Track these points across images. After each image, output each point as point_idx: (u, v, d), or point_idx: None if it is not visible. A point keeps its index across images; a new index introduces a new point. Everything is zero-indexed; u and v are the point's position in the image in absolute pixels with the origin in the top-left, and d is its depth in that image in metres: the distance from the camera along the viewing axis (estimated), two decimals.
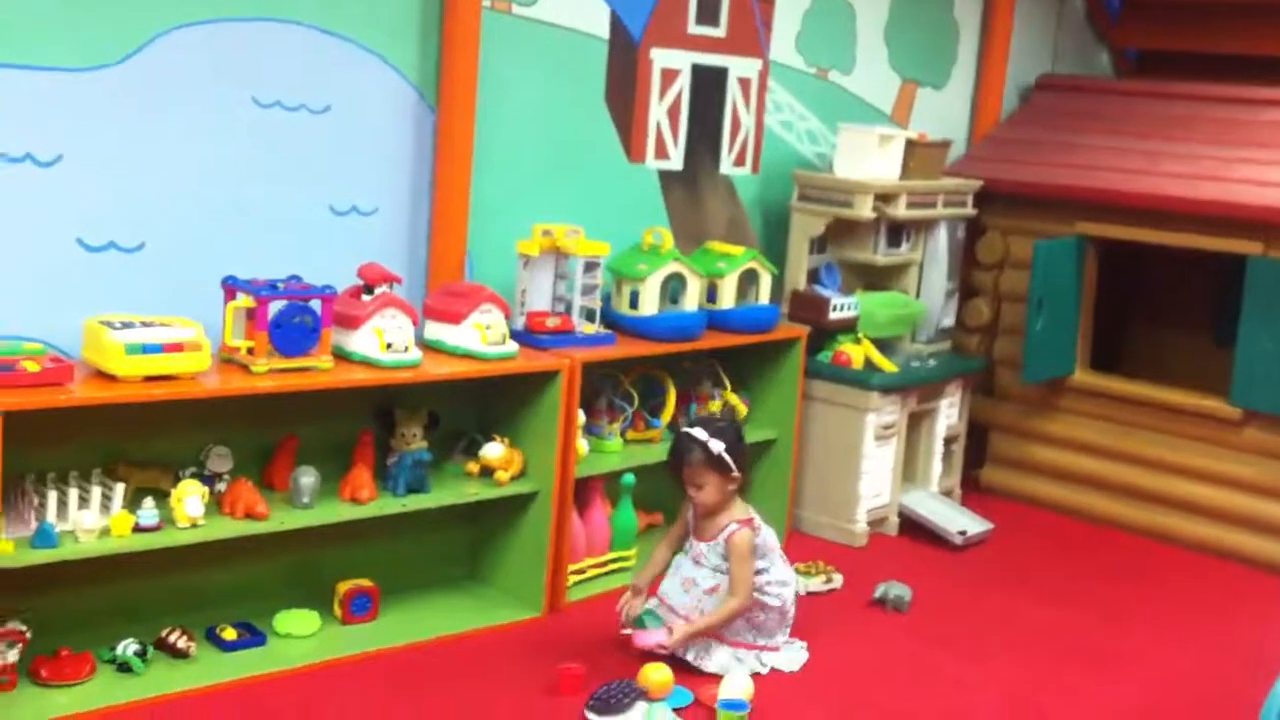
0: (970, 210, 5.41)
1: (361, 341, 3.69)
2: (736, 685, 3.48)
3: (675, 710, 3.40)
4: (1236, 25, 5.90)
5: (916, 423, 5.19)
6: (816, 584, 4.39)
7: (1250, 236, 4.89)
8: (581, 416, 4.13)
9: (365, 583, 3.85)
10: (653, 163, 4.81)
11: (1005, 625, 4.26)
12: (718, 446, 3.77)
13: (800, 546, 4.77)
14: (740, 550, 3.75)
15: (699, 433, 3.81)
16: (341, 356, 3.68)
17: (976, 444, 5.68)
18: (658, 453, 4.47)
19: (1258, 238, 4.87)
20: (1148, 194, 5.10)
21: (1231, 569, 4.95)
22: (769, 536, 3.87)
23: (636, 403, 4.48)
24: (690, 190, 4.96)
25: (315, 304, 3.55)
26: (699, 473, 3.77)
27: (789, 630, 3.89)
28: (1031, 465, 5.57)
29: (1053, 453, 5.53)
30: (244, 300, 3.49)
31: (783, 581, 3.85)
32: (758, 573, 3.79)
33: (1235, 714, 3.53)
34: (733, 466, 3.78)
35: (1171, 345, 5.81)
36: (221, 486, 3.57)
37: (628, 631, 3.65)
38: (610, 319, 4.43)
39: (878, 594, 4.33)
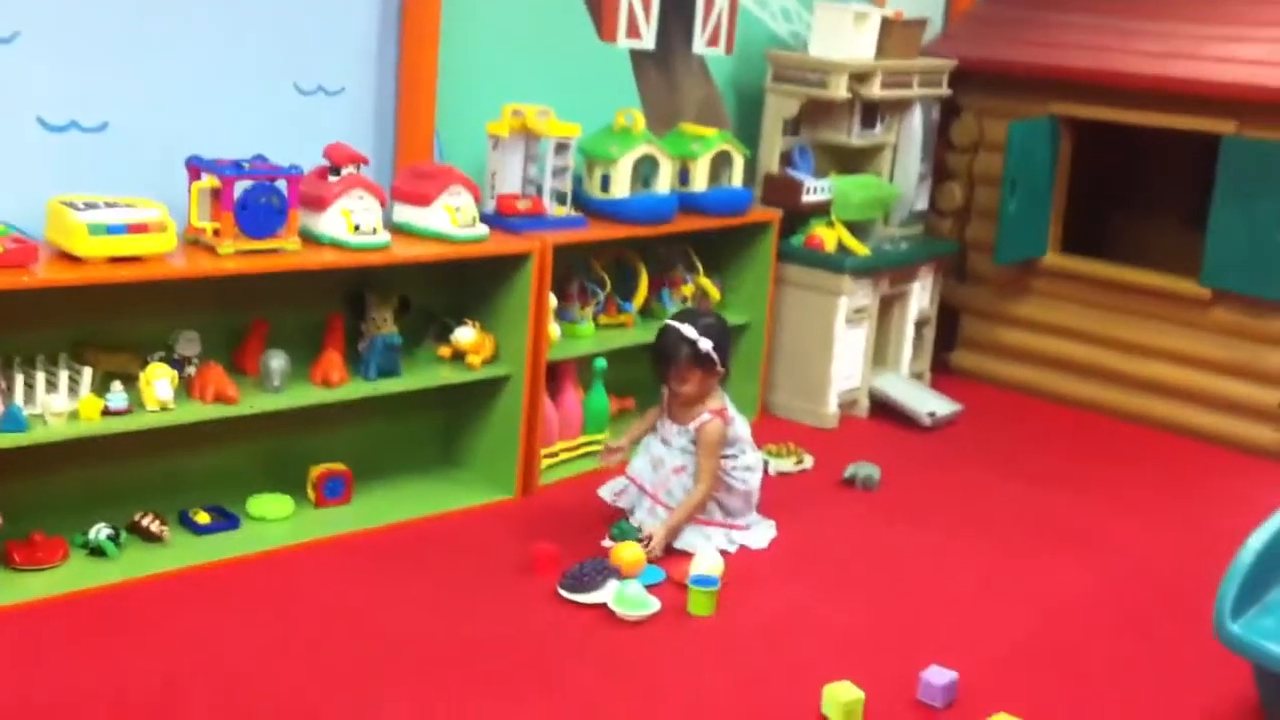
0: (945, 90, 5.36)
1: (329, 223, 3.64)
2: (707, 562, 3.52)
3: (647, 587, 3.44)
4: None
5: (888, 306, 5.20)
6: (787, 465, 4.43)
7: (1224, 115, 4.86)
8: (553, 300, 4.12)
9: (338, 466, 3.85)
10: (624, 42, 4.72)
11: (973, 503, 4.31)
12: (706, 345, 3.76)
13: (772, 429, 4.80)
14: (709, 442, 3.78)
15: (688, 330, 3.78)
16: (309, 238, 3.64)
17: (948, 328, 5.69)
18: (630, 337, 4.48)
19: (1231, 116, 4.84)
20: (1120, 72, 5.05)
21: (1198, 447, 5.02)
22: (740, 427, 3.89)
23: (609, 287, 4.46)
24: (663, 71, 4.89)
25: (281, 184, 3.49)
26: (686, 370, 3.77)
27: (755, 511, 3.94)
28: (1002, 348, 5.60)
29: (1023, 335, 5.55)
30: (209, 181, 3.43)
31: (749, 468, 3.88)
32: (727, 458, 3.82)
33: (1197, 588, 3.60)
34: (718, 363, 3.78)
35: (1151, 229, 5.80)
36: (191, 370, 3.55)
37: (607, 544, 3.67)
38: (582, 201, 4.39)
39: (848, 474, 4.37)
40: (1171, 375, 5.14)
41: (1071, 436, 5.08)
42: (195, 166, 3.48)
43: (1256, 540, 3.04)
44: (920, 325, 5.38)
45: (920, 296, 5.33)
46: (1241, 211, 4.82)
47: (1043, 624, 3.52)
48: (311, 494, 3.83)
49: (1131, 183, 5.91)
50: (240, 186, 3.42)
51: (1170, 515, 4.33)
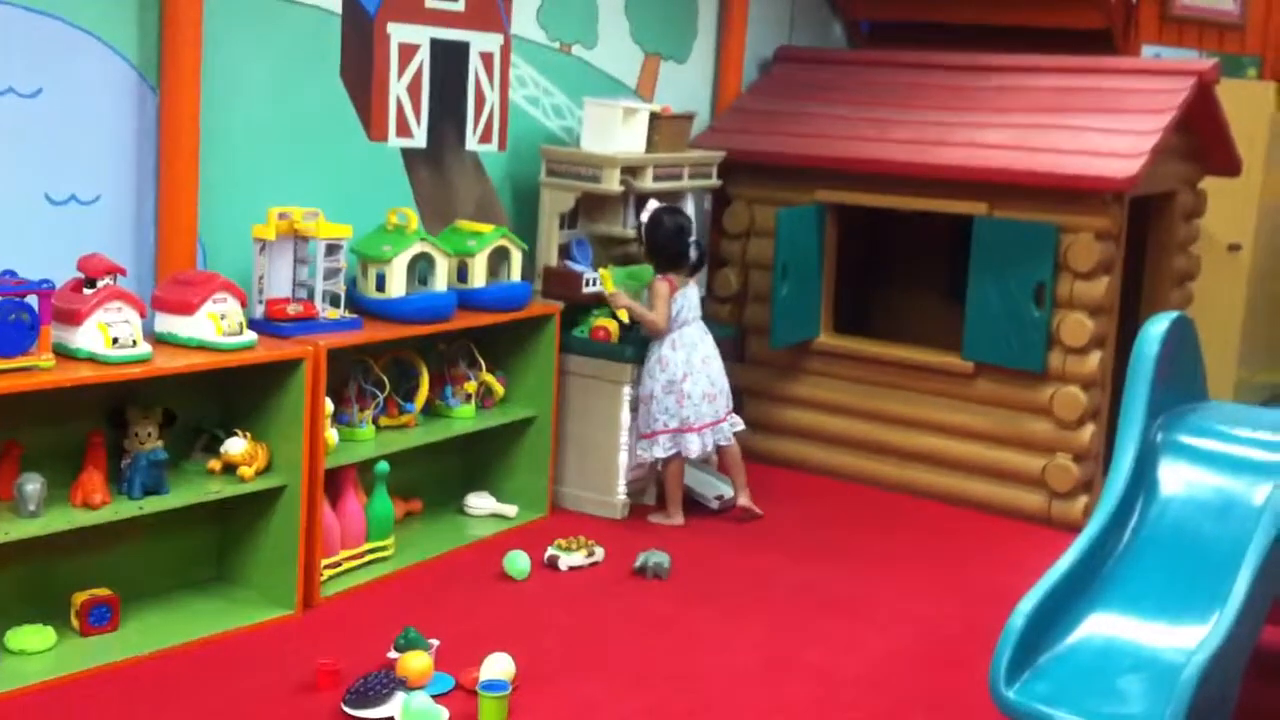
0: (715, 181, 5.51)
1: (85, 337, 3.50)
2: (497, 667, 3.46)
3: (435, 696, 3.36)
4: None
5: None
6: (578, 558, 4.40)
7: (975, 197, 5.13)
8: (330, 405, 4.03)
9: (103, 591, 3.65)
10: (395, 141, 4.71)
11: (761, 584, 4.37)
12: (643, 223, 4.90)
13: (562, 523, 4.79)
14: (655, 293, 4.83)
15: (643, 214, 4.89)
16: (65, 354, 3.49)
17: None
18: (413, 438, 4.42)
19: (982, 198, 5.12)
20: (877, 159, 5.30)
21: (971, 515, 5.22)
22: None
23: (388, 388, 4.39)
24: (436, 168, 4.89)
25: (32, 300, 3.35)
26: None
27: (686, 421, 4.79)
28: (783, 427, 5.73)
29: (802, 414, 5.70)
30: None
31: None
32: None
33: (973, 647, 3.72)
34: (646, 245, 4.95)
35: (914, 306, 6.06)
36: None
37: (393, 655, 3.57)
38: (357, 303, 4.33)
39: (638, 563, 4.38)
40: (942, 446, 5.34)
41: (852, 511, 5.22)
42: None
43: (1026, 604, 3.15)
44: None
45: None
46: (997, 288, 5.08)
47: (829, 698, 3.57)
48: (76, 623, 3.62)
49: (898, 261, 6.17)
50: None
51: (949, 582, 4.48)
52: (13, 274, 3.44)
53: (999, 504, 5.22)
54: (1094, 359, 5.01)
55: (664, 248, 4.89)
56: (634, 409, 4.93)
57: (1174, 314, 3.70)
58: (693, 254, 4.93)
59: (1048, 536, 4.90)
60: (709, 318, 5.63)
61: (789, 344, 5.57)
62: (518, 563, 4.29)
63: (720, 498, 5.08)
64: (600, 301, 4.99)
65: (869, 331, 5.84)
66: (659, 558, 4.38)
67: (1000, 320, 5.08)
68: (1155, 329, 3.62)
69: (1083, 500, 5.07)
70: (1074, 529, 4.76)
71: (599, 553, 4.49)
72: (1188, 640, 3.15)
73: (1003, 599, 3.50)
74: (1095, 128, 5.05)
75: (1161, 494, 3.53)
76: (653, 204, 4.92)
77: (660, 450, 4.85)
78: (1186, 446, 3.60)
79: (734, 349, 5.77)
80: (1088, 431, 5.06)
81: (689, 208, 5.38)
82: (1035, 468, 5.12)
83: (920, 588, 4.42)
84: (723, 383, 5.01)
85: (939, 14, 6.33)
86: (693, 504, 5.05)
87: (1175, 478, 3.56)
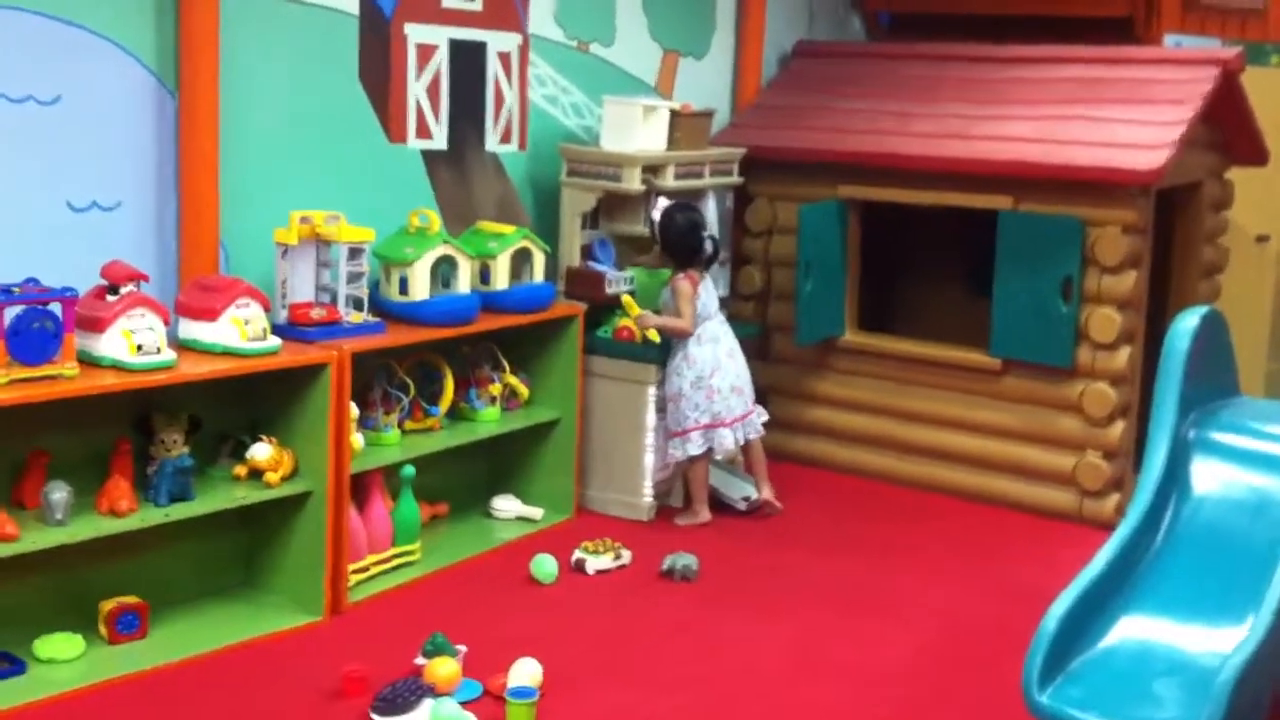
0: (737, 178, 5.47)
1: (109, 344, 3.49)
2: (525, 672, 3.44)
3: (463, 703, 3.34)
4: None
5: None
6: (605, 561, 4.38)
7: (999, 191, 5.08)
8: (355, 409, 4.01)
9: (131, 599, 3.65)
10: (415, 142, 4.69)
11: (790, 583, 4.34)
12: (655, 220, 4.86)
13: (588, 525, 4.76)
14: (678, 292, 4.82)
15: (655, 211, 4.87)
16: (89, 362, 3.48)
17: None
18: (438, 441, 4.40)
19: (1006, 192, 5.07)
20: (899, 154, 5.26)
21: (1000, 514, 5.17)
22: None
23: (413, 392, 4.38)
24: (457, 169, 4.86)
25: (55, 307, 3.35)
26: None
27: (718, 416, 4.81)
28: (808, 425, 5.69)
29: (827, 412, 5.66)
30: None
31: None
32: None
33: (1004, 646, 3.68)
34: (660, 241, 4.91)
35: (935, 300, 6.01)
36: None
37: (421, 661, 3.56)
38: (380, 306, 4.31)
39: (665, 565, 4.36)
40: (970, 444, 5.30)
41: (879, 509, 5.18)
42: None
43: (1058, 608, 3.11)
44: None
45: None
46: (1023, 283, 5.03)
47: (858, 698, 3.54)
48: (104, 630, 3.61)
49: (924, 257, 6.12)
50: (10, 312, 3.27)
51: (978, 581, 4.44)
52: (35, 282, 3.43)
53: (1028, 502, 5.17)
54: (1123, 354, 4.96)
55: (679, 244, 4.87)
56: (661, 409, 4.90)
57: (1204, 308, 3.65)
58: (708, 248, 4.90)
59: (1078, 534, 4.85)
60: (733, 317, 5.61)
61: (814, 341, 5.53)
62: (545, 566, 4.27)
63: (747, 499, 5.05)
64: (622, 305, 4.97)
65: (891, 327, 5.79)
66: (687, 560, 4.35)
67: (1027, 316, 5.03)
68: (1186, 324, 3.57)
69: (1114, 498, 5.02)
70: (1105, 527, 4.71)
71: (626, 555, 4.46)
72: (1223, 643, 3.10)
73: (1034, 597, 3.47)
74: (1120, 119, 5.00)
75: (1195, 493, 3.48)
76: (663, 201, 4.89)
77: (695, 448, 4.82)
78: (1219, 444, 3.55)
79: (758, 347, 5.74)
80: (1118, 428, 5.00)
81: (709, 205, 5.35)
82: (1065, 465, 5.07)
83: (949, 586, 4.39)
84: (747, 375, 4.98)
85: (958, 5, 6.28)
86: (718, 505, 5.02)
87: (1208, 476, 3.51)
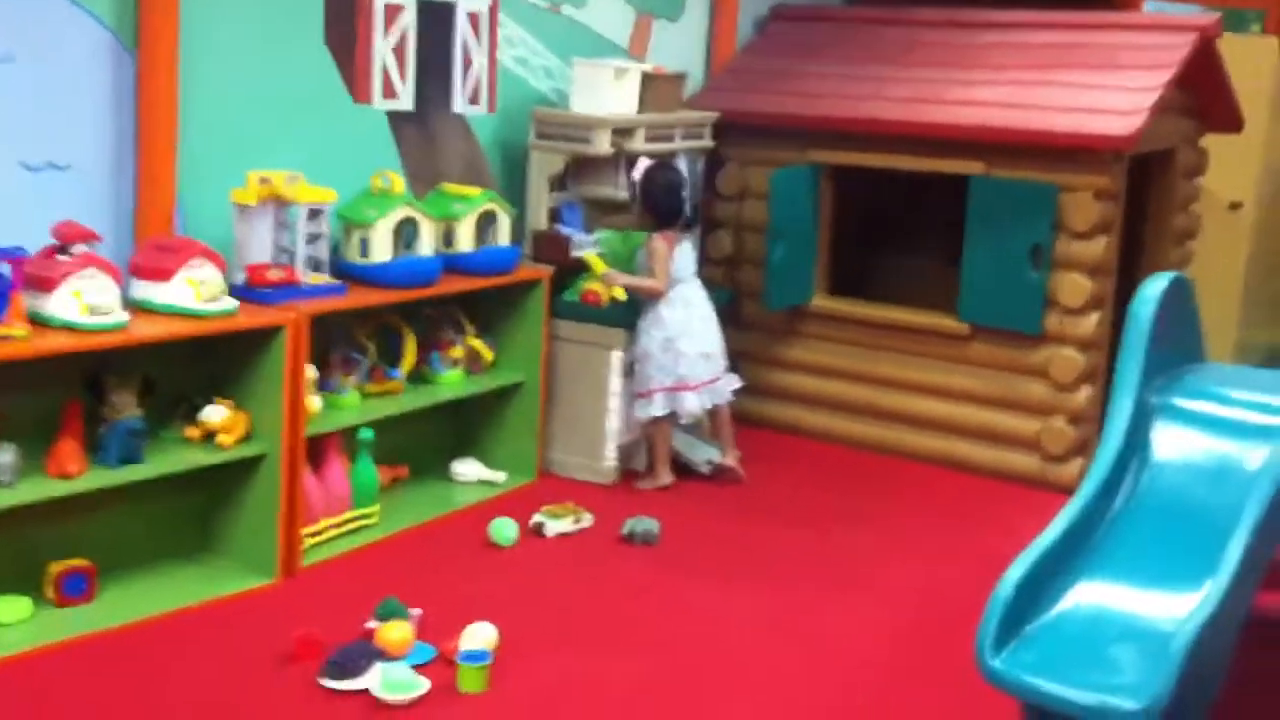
0: (709, 142, 5.42)
1: (59, 305, 3.44)
2: (479, 636, 3.42)
3: (416, 667, 3.31)
4: None
5: None
6: (566, 525, 4.36)
7: (971, 156, 5.03)
8: (313, 372, 3.97)
9: (79, 562, 3.61)
10: (380, 103, 4.63)
11: (753, 550, 4.32)
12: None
13: (551, 488, 4.74)
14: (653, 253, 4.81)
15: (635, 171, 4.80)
16: (39, 322, 3.43)
17: None
18: (399, 404, 4.36)
19: (978, 157, 5.02)
20: (872, 119, 5.21)
21: (966, 479, 5.16)
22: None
23: (373, 354, 4.33)
24: (423, 131, 4.80)
25: (4, 267, 3.30)
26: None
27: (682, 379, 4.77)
28: (777, 391, 5.66)
29: (797, 377, 5.63)
30: None
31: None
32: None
33: (969, 615, 3.64)
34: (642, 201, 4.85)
35: (916, 272, 5.97)
36: None
37: (372, 625, 3.53)
38: (341, 268, 4.26)
39: (626, 529, 4.33)
40: (937, 409, 5.28)
41: (847, 475, 5.16)
42: None
43: (1013, 573, 3.08)
44: None
45: None
46: (993, 249, 4.99)
47: (820, 665, 3.52)
48: (51, 593, 3.58)
49: (895, 224, 6.08)
50: None
51: (943, 547, 4.42)
52: None
53: (995, 467, 5.16)
54: (1092, 320, 4.93)
55: (658, 205, 4.83)
56: (629, 372, 4.86)
57: (1171, 274, 3.61)
58: (687, 209, 4.85)
59: (1042, 500, 4.81)
60: (704, 282, 5.56)
61: (783, 307, 5.49)
62: (504, 530, 4.24)
63: (710, 462, 5.02)
64: (589, 266, 4.92)
65: (865, 294, 5.75)
66: (647, 524, 4.32)
67: (996, 281, 5.00)
68: (1151, 290, 3.53)
69: (1078, 463, 5.00)
70: (1069, 492, 4.64)
71: (586, 519, 4.44)
72: (1180, 608, 3.07)
73: (997, 563, 3.42)
74: (1094, 84, 4.95)
75: (1155, 459, 3.45)
76: (644, 161, 4.85)
77: (657, 409, 4.79)
78: (1182, 410, 3.52)
79: (729, 312, 5.69)
80: (1084, 394, 4.98)
81: (681, 167, 5.29)
82: (1031, 430, 5.05)
83: (914, 552, 4.37)
84: (719, 341, 4.94)
85: None
86: (683, 469, 4.99)
87: (1169, 442, 3.48)
